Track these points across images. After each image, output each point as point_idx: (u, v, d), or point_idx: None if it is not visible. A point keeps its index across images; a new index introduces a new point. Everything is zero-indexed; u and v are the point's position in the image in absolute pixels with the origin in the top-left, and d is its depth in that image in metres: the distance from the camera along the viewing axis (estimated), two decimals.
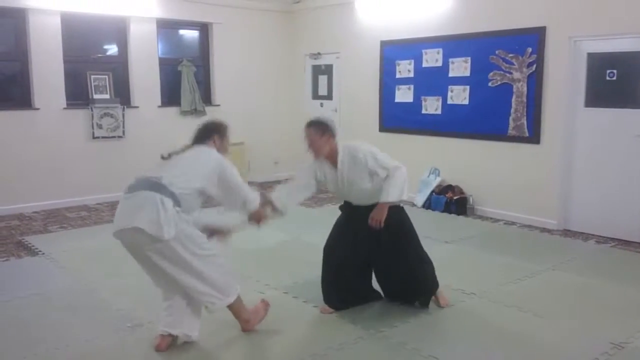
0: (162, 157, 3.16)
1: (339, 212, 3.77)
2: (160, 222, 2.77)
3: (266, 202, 3.37)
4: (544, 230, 5.80)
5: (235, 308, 3.22)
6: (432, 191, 6.76)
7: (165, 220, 2.78)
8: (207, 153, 3.15)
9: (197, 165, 3.06)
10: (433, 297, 3.75)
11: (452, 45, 6.61)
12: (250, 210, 3.21)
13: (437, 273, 4.01)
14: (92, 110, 6.99)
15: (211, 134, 3.27)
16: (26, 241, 5.33)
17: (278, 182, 8.69)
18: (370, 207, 3.43)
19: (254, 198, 3.20)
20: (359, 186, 3.44)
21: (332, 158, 3.47)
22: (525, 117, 6.00)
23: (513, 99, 6.08)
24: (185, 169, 3.02)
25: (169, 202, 2.83)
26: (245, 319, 3.30)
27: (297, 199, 3.55)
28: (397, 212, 3.54)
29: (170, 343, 3.14)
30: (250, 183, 9.45)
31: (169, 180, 2.91)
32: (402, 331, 3.38)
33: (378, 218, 3.38)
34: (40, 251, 5.01)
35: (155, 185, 2.88)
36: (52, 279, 4.33)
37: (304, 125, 3.50)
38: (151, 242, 2.82)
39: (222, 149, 3.28)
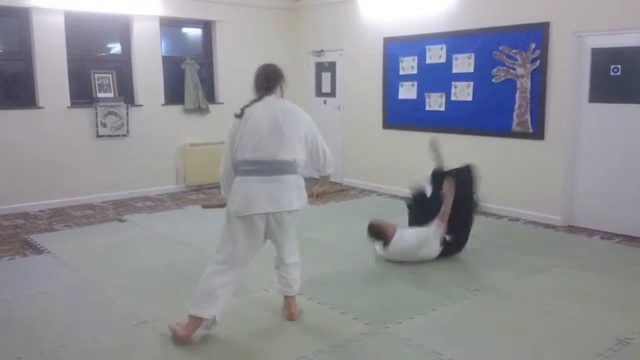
0: (236, 116, 3.23)
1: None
2: (300, 196, 3.23)
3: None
4: (548, 226, 5.78)
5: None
6: None
7: (302, 194, 3.25)
8: (295, 111, 3.26)
9: (298, 131, 3.21)
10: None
11: (456, 41, 6.60)
12: (326, 173, 3.41)
13: (441, 270, 4.01)
14: (96, 109, 7.01)
15: (279, 80, 3.33)
16: (31, 240, 5.36)
17: None
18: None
19: (332, 161, 3.39)
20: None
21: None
22: (529, 113, 5.99)
23: (517, 95, 6.07)
24: (294, 140, 3.18)
25: (300, 179, 3.23)
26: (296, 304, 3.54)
27: None
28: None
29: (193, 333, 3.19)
30: None
31: (293, 157, 3.16)
32: (406, 327, 3.38)
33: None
34: (45, 250, 5.03)
35: (288, 167, 3.16)
36: (58, 277, 4.35)
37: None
38: (289, 215, 3.22)
39: (283, 95, 3.39)
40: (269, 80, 3.30)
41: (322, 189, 3.58)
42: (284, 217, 3.21)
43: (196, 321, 3.15)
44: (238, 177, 3.19)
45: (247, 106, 3.25)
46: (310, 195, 3.50)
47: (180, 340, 3.15)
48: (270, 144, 3.13)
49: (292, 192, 3.19)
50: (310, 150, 3.29)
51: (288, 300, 3.52)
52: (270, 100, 3.26)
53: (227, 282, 3.18)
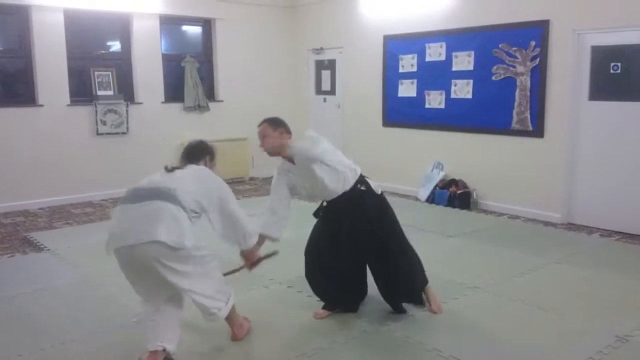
0: (167, 169, 2.98)
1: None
2: (180, 230, 2.71)
3: (261, 240, 3.25)
4: (548, 224, 5.79)
5: (232, 313, 3.10)
6: (436, 185, 6.76)
7: (184, 228, 2.74)
8: (210, 172, 3.06)
9: (202, 183, 2.94)
10: (424, 296, 3.57)
11: (456, 39, 6.60)
12: (248, 246, 3.09)
13: (440, 267, 3.98)
14: (95, 107, 7.01)
15: (203, 154, 3.20)
16: (31, 237, 5.36)
17: None
18: (344, 199, 3.27)
19: (253, 232, 3.09)
20: (319, 180, 3.22)
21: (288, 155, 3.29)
22: (528, 111, 5.99)
23: (516, 93, 6.07)
24: (193, 185, 2.89)
25: (183, 214, 2.77)
26: (239, 324, 3.20)
27: (284, 222, 3.41)
28: (379, 202, 3.36)
29: (163, 358, 2.94)
30: (253, 179, 9.41)
31: (181, 193, 2.81)
32: (405, 325, 3.38)
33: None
34: (45, 247, 5.03)
35: (169, 196, 2.78)
36: (58, 275, 4.35)
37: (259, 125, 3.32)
38: (167, 252, 2.70)
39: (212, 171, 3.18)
40: (192, 151, 3.17)
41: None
42: (155, 249, 2.72)
43: (156, 353, 2.92)
44: None
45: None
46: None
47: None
48: (160, 177, 2.98)
49: (171, 221, 2.75)
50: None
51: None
52: (193, 166, 3.08)
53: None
